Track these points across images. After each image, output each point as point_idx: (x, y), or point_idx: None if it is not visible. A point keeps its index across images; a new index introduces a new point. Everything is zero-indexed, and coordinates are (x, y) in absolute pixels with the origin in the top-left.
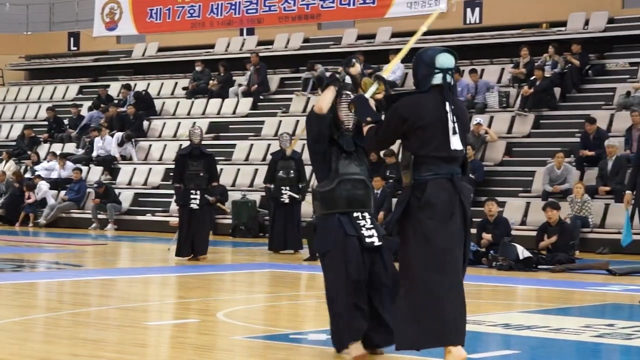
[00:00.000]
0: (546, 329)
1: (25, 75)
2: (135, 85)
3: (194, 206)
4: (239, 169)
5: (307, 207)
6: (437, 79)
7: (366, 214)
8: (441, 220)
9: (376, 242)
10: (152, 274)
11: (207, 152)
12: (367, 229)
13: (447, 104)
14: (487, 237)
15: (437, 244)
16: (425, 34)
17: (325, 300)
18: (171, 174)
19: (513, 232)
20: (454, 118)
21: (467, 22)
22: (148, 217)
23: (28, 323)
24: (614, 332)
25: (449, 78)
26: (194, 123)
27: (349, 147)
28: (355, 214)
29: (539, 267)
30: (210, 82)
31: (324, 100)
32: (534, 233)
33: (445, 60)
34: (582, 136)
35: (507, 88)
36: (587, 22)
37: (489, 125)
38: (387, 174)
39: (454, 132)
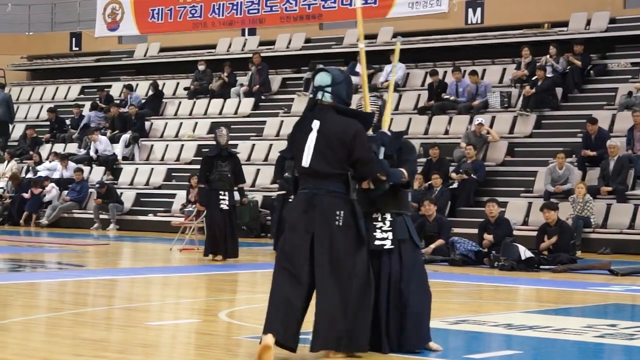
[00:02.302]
0: (548, 329)
1: (27, 75)
2: (137, 85)
3: (224, 207)
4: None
5: None
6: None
7: (387, 215)
8: (290, 231)
9: (387, 245)
10: (154, 274)
11: (233, 152)
12: (383, 231)
13: (314, 120)
14: (488, 237)
15: (282, 250)
16: (427, 34)
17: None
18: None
19: (515, 233)
20: (317, 135)
21: (469, 22)
22: (150, 217)
23: (30, 323)
24: (616, 333)
25: (320, 95)
26: (220, 126)
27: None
28: (374, 215)
29: (541, 267)
30: (216, 80)
31: None
32: (536, 233)
33: (318, 78)
34: (583, 136)
35: (508, 88)
36: (588, 22)
37: (491, 126)
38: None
39: (310, 149)
